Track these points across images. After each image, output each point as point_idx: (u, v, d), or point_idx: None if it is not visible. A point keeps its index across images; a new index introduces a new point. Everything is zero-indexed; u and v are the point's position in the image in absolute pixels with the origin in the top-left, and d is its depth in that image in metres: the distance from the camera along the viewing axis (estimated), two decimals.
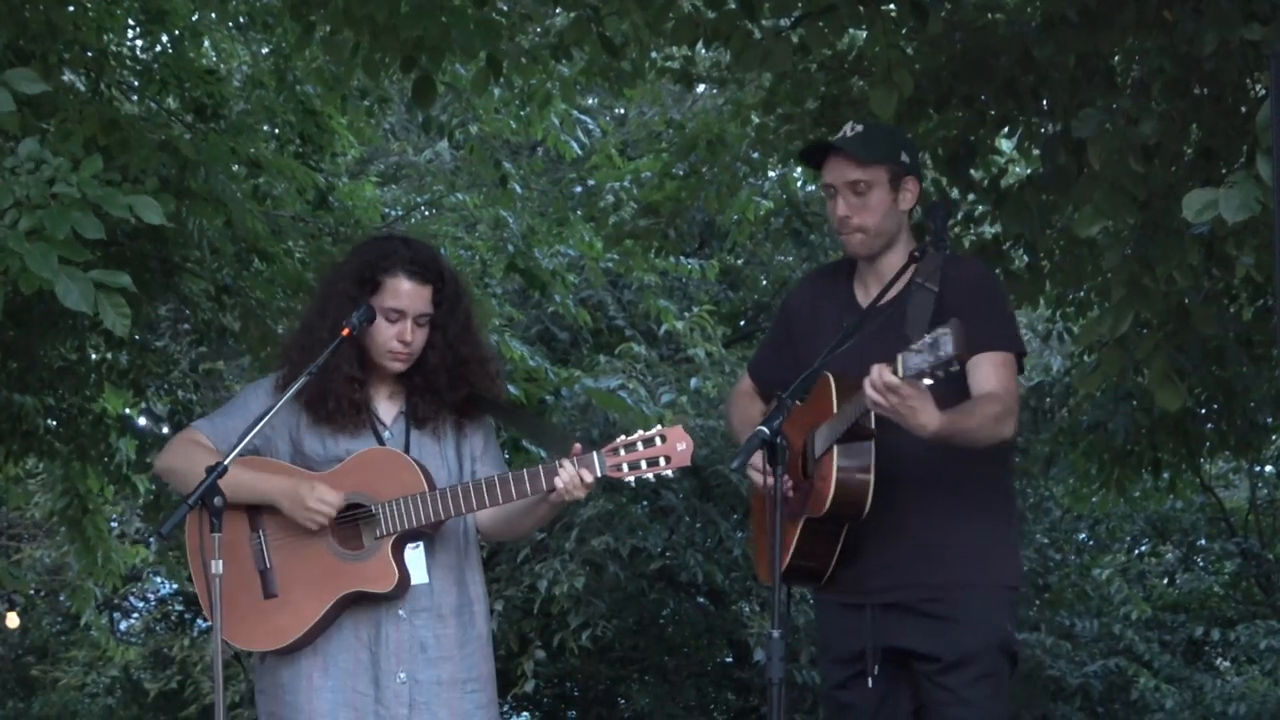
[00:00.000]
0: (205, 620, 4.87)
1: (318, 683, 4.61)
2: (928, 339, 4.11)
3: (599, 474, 4.52)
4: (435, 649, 4.65)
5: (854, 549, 4.59)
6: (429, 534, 4.65)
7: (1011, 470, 4.82)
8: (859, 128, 4.72)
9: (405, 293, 4.63)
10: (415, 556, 4.65)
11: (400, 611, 4.63)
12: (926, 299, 4.55)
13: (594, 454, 4.52)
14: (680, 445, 4.52)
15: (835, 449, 4.48)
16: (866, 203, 4.66)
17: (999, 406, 4.47)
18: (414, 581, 4.64)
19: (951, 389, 4.41)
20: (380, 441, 4.69)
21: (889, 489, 4.51)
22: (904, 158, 4.70)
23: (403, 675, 4.61)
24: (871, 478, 4.49)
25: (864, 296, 4.73)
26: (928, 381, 4.15)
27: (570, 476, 4.49)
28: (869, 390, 4.24)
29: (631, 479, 4.54)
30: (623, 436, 4.56)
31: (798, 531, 4.59)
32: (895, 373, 4.18)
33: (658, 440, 4.53)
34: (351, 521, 4.63)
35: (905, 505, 4.56)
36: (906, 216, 4.74)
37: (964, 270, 4.69)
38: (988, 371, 4.53)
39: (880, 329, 4.54)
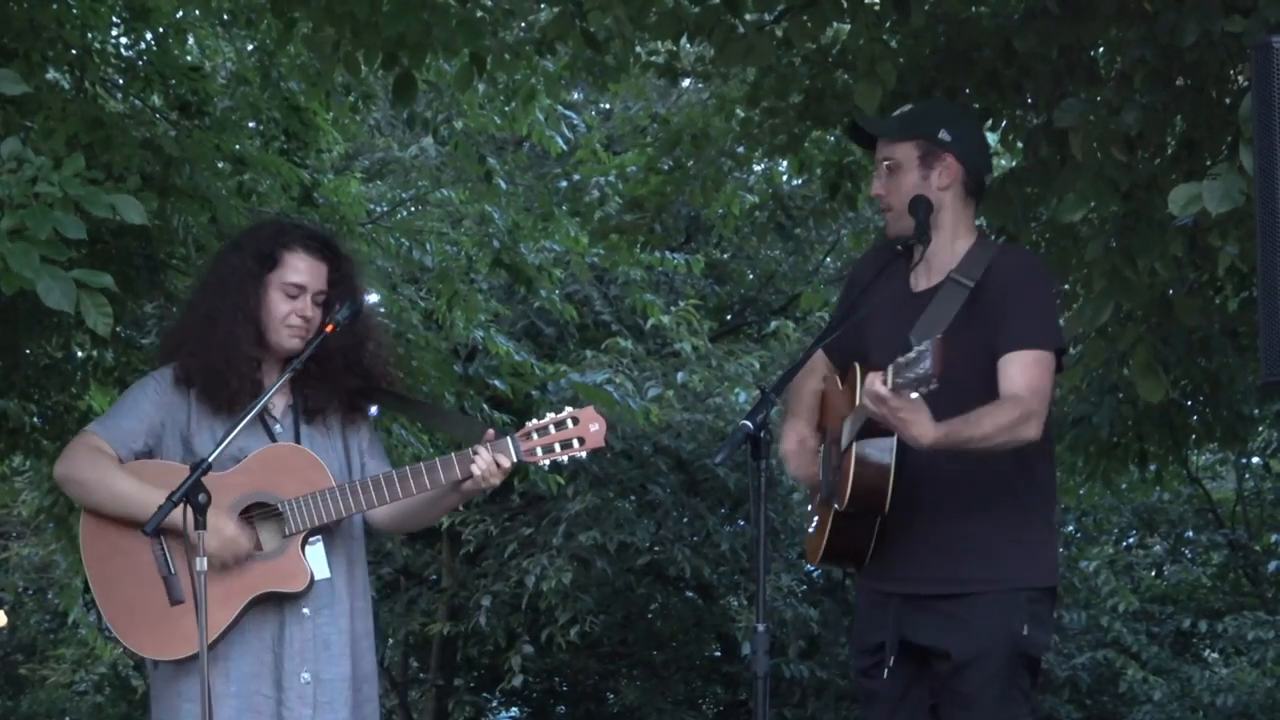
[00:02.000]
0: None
1: (219, 690, 4.40)
2: (911, 354, 4.01)
3: (515, 459, 4.46)
4: (338, 646, 4.53)
5: (885, 537, 4.51)
6: (330, 529, 4.54)
7: (1044, 467, 4.64)
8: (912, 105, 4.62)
9: (304, 268, 4.56)
10: (315, 552, 4.52)
11: (304, 610, 4.50)
12: (956, 294, 4.45)
13: (508, 439, 4.47)
14: (593, 426, 4.50)
15: (855, 445, 4.40)
16: (896, 181, 4.56)
17: (1016, 411, 4.33)
18: (317, 577, 4.51)
19: (983, 388, 4.37)
20: (271, 435, 4.57)
21: (912, 483, 4.43)
22: (943, 135, 4.54)
23: (306, 675, 4.48)
24: (890, 474, 4.40)
25: (915, 281, 4.62)
26: (915, 394, 4.05)
27: (487, 464, 4.43)
28: (865, 399, 4.18)
29: (546, 463, 4.51)
30: (534, 420, 4.51)
31: (830, 518, 4.55)
32: (885, 382, 4.10)
33: (569, 423, 4.49)
34: (246, 520, 4.49)
35: (927, 500, 4.46)
36: (955, 198, 4.59)
37: (1009, 263, 4.57)
38: (1015, 372, 4.40)
39: (913, 320, 4.47)
